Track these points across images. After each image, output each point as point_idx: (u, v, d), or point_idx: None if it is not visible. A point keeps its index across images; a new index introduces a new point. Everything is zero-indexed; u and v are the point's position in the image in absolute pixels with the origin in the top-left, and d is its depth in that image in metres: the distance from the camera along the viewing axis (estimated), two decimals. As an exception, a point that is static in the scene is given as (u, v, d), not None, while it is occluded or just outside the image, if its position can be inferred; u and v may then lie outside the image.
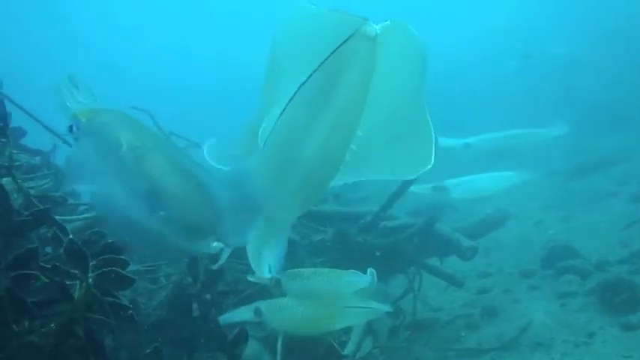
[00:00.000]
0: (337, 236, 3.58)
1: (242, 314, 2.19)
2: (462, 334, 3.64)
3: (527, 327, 3.38)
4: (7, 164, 1.93)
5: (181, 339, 2.78)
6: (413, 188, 3.53)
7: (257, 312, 2.12)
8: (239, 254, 3.42)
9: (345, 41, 1.17)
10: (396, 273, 3.76)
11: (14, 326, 1.67)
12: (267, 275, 1.60)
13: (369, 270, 2.51)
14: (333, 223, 3.71)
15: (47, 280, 1.62)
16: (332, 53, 1.17)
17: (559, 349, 3.15)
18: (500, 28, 14.92)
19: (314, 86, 1.20)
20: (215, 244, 1.67)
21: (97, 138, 1.62)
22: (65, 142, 2.87)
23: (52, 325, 1.72)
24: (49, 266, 1.64)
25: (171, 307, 2.84)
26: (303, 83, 1.20)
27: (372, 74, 1.22)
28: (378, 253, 3.40)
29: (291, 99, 1.22)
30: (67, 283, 1.68)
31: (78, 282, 1.72)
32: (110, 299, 1.67)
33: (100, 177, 1.64)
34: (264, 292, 3.30)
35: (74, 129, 1.62)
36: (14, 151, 2.23)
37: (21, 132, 2.96)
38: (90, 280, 1.68)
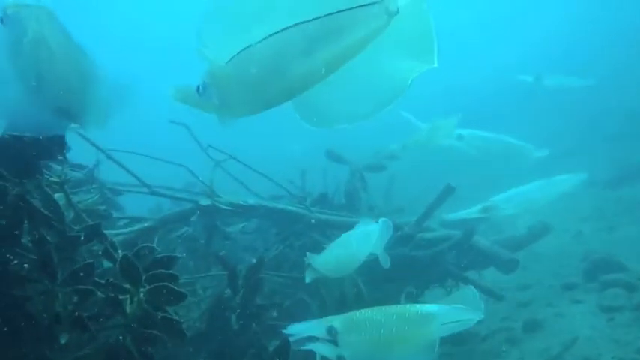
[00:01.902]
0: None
1: (312, 329, 1.98)
2: (503, 348, 3.55)
3: (574, 342, 3.27)
4: (60, 181, 1.98)
5: (222, 351, 2.80)
6: (459, 214, 3.44)
7: (329, 330, 1.91)
8: (277, 267, 3.46)
9: (367, 5, 1.23)
10: (434, 285, 3.70)
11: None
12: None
13: (380, 220, 2.46)
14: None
15: (102, 295, 1.66)
16: (350, 9, 1.23)
17: (607, 366, 3.05)
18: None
19: (320, 26, 1.25)
20: (73, 125, 1.94)
21: (12, 29, 1.78)
22: (109, 157, 2.95)
23: (104, 339, 1.75)
24: (103, 281, 1.67)
25: (211, 320, 2.86)
26: (311, 20, 1.24)
27: (374, 39, 1.28)
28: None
29: (291, 26, 1.25)
30: (120, 297, 1.72)
31: (129, 296, 1.76)
32: (161, 314, 1.70)
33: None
34: (302, 303, 3.32)
35: (3, 20, 1.77)
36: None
37: (66, 147, 3.06)
38: (142, 294, 1.72)
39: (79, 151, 3.11)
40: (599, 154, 8.23)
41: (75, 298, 1.62)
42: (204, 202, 3.09)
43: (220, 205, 3.12)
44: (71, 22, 2.03)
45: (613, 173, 7.36)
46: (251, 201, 3.29)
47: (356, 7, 1.22)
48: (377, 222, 2.48)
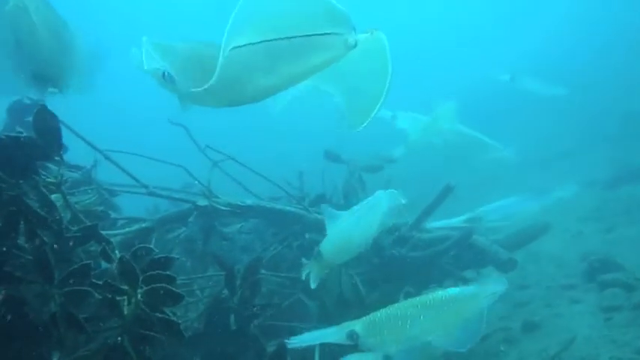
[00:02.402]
0: (372, 248, 3.55)
1: (329, 336, 1.95)
2: (502, 348, 3.54)
3: (572, 342, 3.27)
4: (57, 181, 1.98)
5: (220, 352, 2.79)
6: (443, 223, 3.41)
7: (350, 336, 1.87)
8: (275, 267, 3.45)
9: (327, 34, 1.36)
10: (432, 285, 3.70)
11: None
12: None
13: (388, 190, 2.40)
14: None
15: (99, 297, 1.66)
16: (312, 35, 1.36)
17: (605, 366, 3.04)
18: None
19: (283, 47, 1.37)
20: (51, 89, 2.03)
21: None
22: (107, 157, 2.95)
23: (101, 340, 1.75)
24: (100, 282, 1.67)
25: (208, 320, 2.86)
26: (277, 39, 1.37)
27: (330, 65, 1.43)
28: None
29: (261, 42, 1.37)
30: (117, 298, 1.71)
31: (126, 298, 1.75)
32: (159, 315, 1.70)
33: None
34: (300, 303, 3.32)
35: None
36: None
37: (63, 148, 3.05)
38: (139, 295, 1.71)
39: (76, 152, 3.11)
40: (599, 154, 8.23)
41: (67, 300, 1.61)
42: (202, 202, 3.08)
43: (218, 206, 3.12)
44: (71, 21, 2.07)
45: (613, 173, 7.36)
46: (249, 201, 3.28)
47: (317, 34, 1.36)
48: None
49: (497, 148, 4.44)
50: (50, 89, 2.01)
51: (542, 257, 4.98)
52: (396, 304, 2.00)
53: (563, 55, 13.73)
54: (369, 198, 2.41)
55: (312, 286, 2.45)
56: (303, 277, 2.48)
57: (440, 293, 1.99)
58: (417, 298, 2.02)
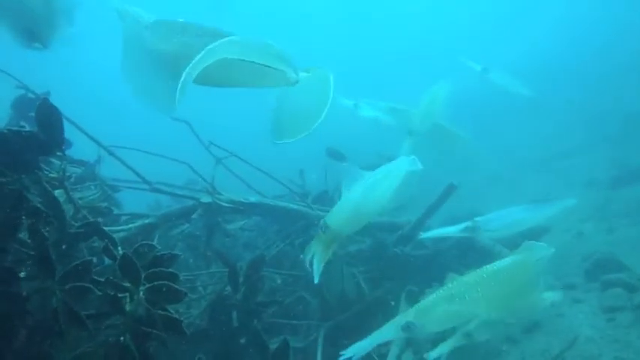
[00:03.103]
0: (375, 247, 3.55)
1: (384, 335, 1.93)
2: (504, 348, 3.53)
3: (574, 342, 3.26)
4: (59, 177, 1.96)
5: (222, 349, 2.78)
6: (438, 232, 3.36)
7: (407, 327, 1.88)
8: (277, 264, 3.44)
9: (276, 69, 1.79)
10: (434, 283, 3.69)
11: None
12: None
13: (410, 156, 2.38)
14: (370, 233, 3.67)
15: (100, 293, 1.64)
16: (265, 65, 1.78)
17: (608, 366, 3.03)
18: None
19: (245, 65, 1.76)
20: (36, 44, 2.18)
21: None
22: (111, 153, 2.93)
23: (103, 337, 1.73)
24: (102, 279, 1.65)
25: (211, 317, 2.85)
26: (242, 59, 1.76)
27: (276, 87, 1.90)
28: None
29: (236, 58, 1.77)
30: (119, 295, 1.70)
31: (129, 295, 1.74)
32: (161, 312, 1.68)
33: None
34: (303, 301, 3.31)
35: None
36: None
37: (67, 143, 3.03)
38: (141, 293, 1.69)
39: (80, 147, 3.09)
40: (599, 154, 8.22)
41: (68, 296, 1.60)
42: (205, 199, 3.07)
43: (221, 203, 3.10)
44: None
45: (613, 173, 7.35)
46: (252, 198, 3.27)
47: (266, 65, 1.76)
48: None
49: (465, 139, 4.44)
50: (36, 44, 2.12)
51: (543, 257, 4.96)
52: (444, 286, 2.02)
53: (564, 55, 13.72)
54: (389, 163, 2.36)
55: (315, 280, 2.35)
56: (307, 264, 2.37)
57: (488, 267, 2.02)
58: (466, 276, 2.04)
